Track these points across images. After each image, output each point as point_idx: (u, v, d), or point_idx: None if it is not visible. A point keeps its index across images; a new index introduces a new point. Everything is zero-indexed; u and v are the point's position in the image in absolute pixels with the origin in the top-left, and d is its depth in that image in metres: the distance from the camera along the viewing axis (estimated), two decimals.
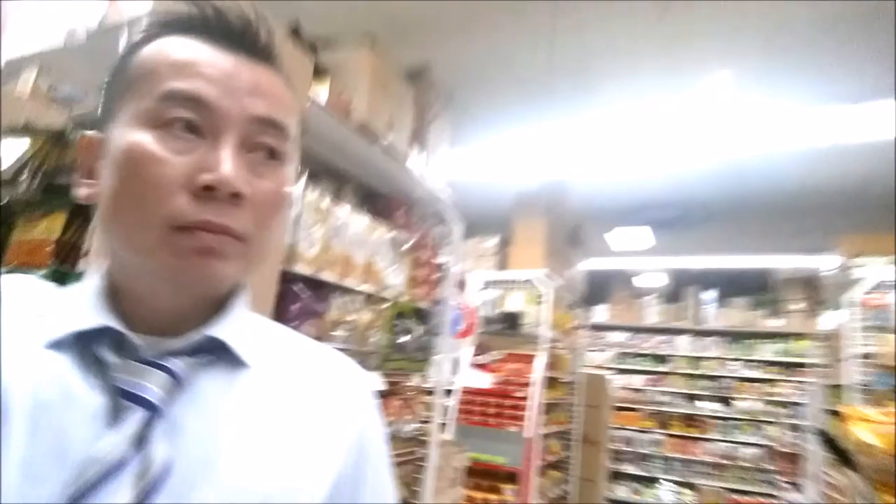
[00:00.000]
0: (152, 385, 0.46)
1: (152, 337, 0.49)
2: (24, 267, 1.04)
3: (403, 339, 2.11)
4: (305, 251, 1.59)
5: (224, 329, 0.51)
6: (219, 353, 0.51)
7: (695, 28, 2.93)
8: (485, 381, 3.80)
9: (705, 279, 7.25)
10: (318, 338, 1.65)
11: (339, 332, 1.77)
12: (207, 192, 0.45)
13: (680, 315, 7.32)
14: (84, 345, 0.48)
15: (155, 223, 0.45)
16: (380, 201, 2.19)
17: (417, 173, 2.19)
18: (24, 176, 1.11)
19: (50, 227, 1.07)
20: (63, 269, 1.04)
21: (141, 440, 0.44)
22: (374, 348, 1.94)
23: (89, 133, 0.53)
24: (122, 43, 1.02)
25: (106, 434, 0.43)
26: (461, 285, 2.57)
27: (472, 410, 3.82)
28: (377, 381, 1.90)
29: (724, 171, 4.49)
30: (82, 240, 1.05)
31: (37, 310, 0.50)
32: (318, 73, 1.82)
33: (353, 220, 1.84)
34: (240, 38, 0.51)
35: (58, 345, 0.47)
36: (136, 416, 0.44)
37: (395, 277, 2.06)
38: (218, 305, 0.53)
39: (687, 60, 3.20)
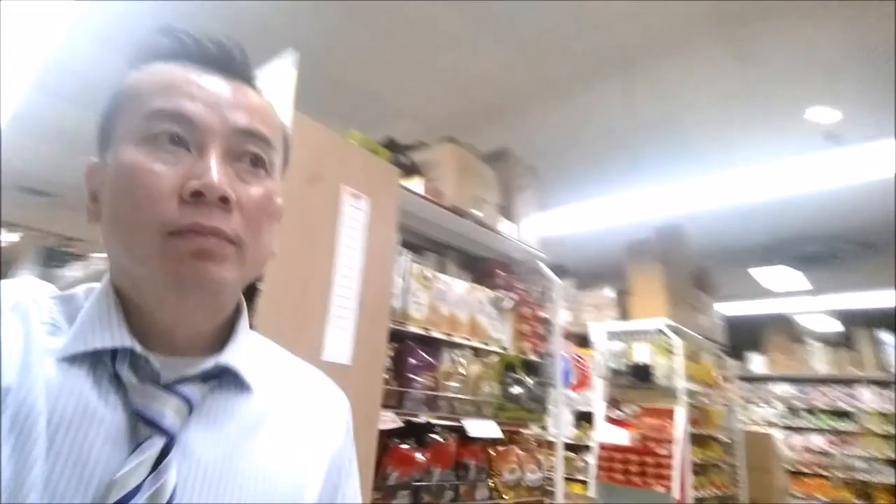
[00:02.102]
0: (170, 412, 0.47)
1: (164, 356, 0.51)
2: None
3: (515, 390, 2.28)
4: (414, 313, 1.90)
5: (233, 355, 0.54)
6: (225, 377, 0.53)
7: (776, 68, 2.96)
8: (622, 436, 3.71)
9: (881, 319, 6.32)
10: (435, 388, 1.91)
11: (452, 383, 2.01)
12: (196, 198, 0.47)
13: (856, 361, 6.40)
14: (100, 360, 0.49)
15: (150, 230, 0.47)
16: (480, 266, 2.47)
17: (511, 237, 2.45)
18: None
19: None
20: None
21: (157, 465, 0.45)
22: (487, 398, 2.14)
23: (92, 160, 0.55)
24: None
25: (128, 459, 0.45)
26: (568, 337, 2.66)
27: (612, 468, 3.72)
28: (494, 429, 2.08)
29: (870, 198, 4.12)
30: None
31: (49, 318, 0.50)
32: (414, 170, 2.23)
33: (454, 285, 2.13)
34: (217, 60, 0.53)
35: (74, 359, 0.48)
36: (155, 442, 0.46)
37: (499, 332, 2.28)
38: (224, 325, 0.56)
39: (779, 98, 3.18)
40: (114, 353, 0.48)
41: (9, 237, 6.48)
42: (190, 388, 0.49)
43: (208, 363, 0.51)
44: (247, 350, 0.56)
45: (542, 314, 2.55)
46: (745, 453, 4.65)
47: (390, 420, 1.66)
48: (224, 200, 0.48)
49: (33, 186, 5.45)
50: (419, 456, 1.78)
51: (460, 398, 2.01)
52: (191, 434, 0.49)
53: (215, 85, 0.52)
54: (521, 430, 2.31)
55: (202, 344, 0.54)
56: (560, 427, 2.44)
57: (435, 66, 3.11)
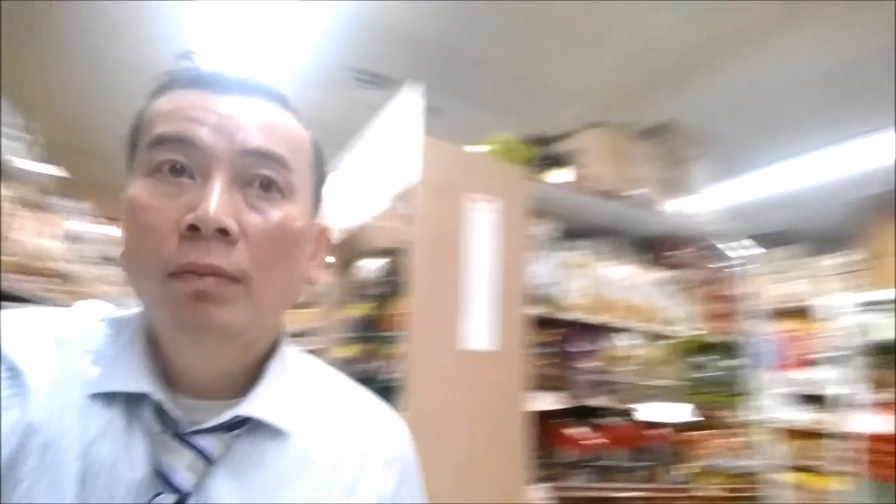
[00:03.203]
0: (183, 469, 0.45)
1: (193, 399, 0.49)
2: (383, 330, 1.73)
3: (703, 373, 2.14)
4: (572, 300, 1.96)
5: (258, 403, 0.49)
6: (255, 422, 0.50)
7: None
8: (889, 424, 3.08)
9: None
10: (604, 372, 1.94)
11: (624, 368, 2.00)
12: (193, 233, 0.43)
13: None
14: (130, 402, 0.47)
15: (153, 272, 0.44)
16: (658, 246, 2.38)
17: (681, 213, 2.32)
18: (385, 279, 1.90)
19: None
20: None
21: None
22: (668, 382, 2.06)
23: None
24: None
25: None
26: (784, 312, 2.31)
27: (882, 462, 3.10)
28: (676, 413, 2.00)
29: None
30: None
31: (95, 346, 0.50)
32: (564, 160, 2.29)
33: (618, 269, 2.11)
34: (234, 81, 0.49)
35: (106, 397, 0.47)
36: (168, 498, 0.45)
37: (678, 314, 2.17)
38: (257, 364, 0.52)
39: None
40: (142, 394, 0.47)
41: None
42: (208, 441, 0.47)
43: (226, 415, 0.48)
44: (280, 392, 0.52)
45: (733, 291, 2.33)
46: None
47: (552, 402, 1.75)
48: (224, 233, 0.43)
49: None
50: (589, 438, 1.83)
51: (634, 382, 1.99)
52: (217, 484, 0.46)
53: (227, 105, 0.47)
54: (718, 414, 2.15)
55: (232, 386, 0.50)
56: (768, 411, 2.19)
57: (601, 45, 3.07)
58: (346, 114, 4.12)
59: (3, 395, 0.44)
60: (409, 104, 1.70)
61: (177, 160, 0.45)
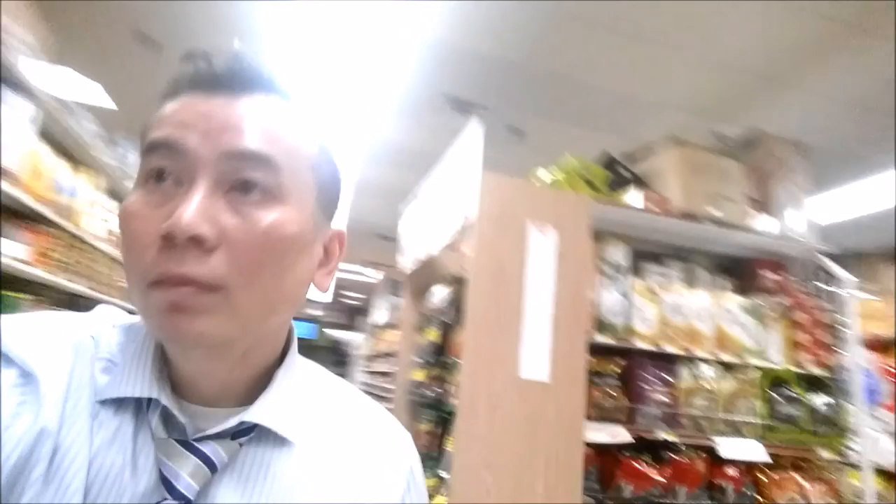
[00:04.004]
0: (187, 475, 0.45)
1: (198, 405, 0.49)
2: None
3: (790, 409, 1.99)
4: (641, 328, 1.90)
5: (263, 411, 0.49)
6: (261, 431, 0.50)
7: None
8: None
9: None
10: (674, 405, 1.87)
11: (697, 400, 1.91)
12: (169, 242, 0.42)
13: None
14: (139, 408, 0.47)
15: (136, 281, 0.44)
16: (740, 269, 2.24)
17: (769, 232, 2.16)
18: (450, 307, 1.95)
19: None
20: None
21: None
22: (747, 417, 1.94)
23: None
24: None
25: None
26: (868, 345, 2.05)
27: None
28: (755, 452, 1.88)
29: None
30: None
31: (107, 353, 0.49)
32: (637, 182, 2.22)
33: (691, 296, 2.02)
34: (227, 76, 0.47)
35: (115, 403, 0.47)
36: None
37: (760, 343, 2.03)
38: (265, 371, 0.52)
39: None
40: (149, 401, 0.47)
41: (375, 274, 8.58)
42: (213, 447, 0.46)
43: (231, 421, 0.47)
44: (287, 400, 0.51)
45: (828, 319, 2.13)
46: None
47: (614, 435, 1.72)
48: (199, 240, 0.42)
49: (384, 233, 7.11)
50: (654, 473, 1.77)
51: (707, 416, 1.89)
52: (220, 492, 0.46)
53: (216, 107, 0.46)
54: (807, 454, 1.99)
55: (236, 394, 0.50)
56: (871, 453, 1.99)
57: (692, 53, 2.93)
58: (440, 139, 4.26)
59: (16, 400, 0.43)
60: (471, 139, 1.74)
61: (162, 167, 0.45)
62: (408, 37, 2.96)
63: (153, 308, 0.43)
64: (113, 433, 0.46)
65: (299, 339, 0.58)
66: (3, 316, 0.47)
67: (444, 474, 1.78)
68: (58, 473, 0.43)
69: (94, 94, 4.03)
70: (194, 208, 0.42)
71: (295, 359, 0.55)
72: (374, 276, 8.84)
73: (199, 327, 0.43)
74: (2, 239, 2.11)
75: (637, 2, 2.56)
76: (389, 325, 6.68)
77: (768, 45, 2.79)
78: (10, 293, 2.29)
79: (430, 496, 1.81)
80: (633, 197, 2.13)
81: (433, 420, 2.15)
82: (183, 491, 0.44)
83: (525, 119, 3.76)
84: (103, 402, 0.47)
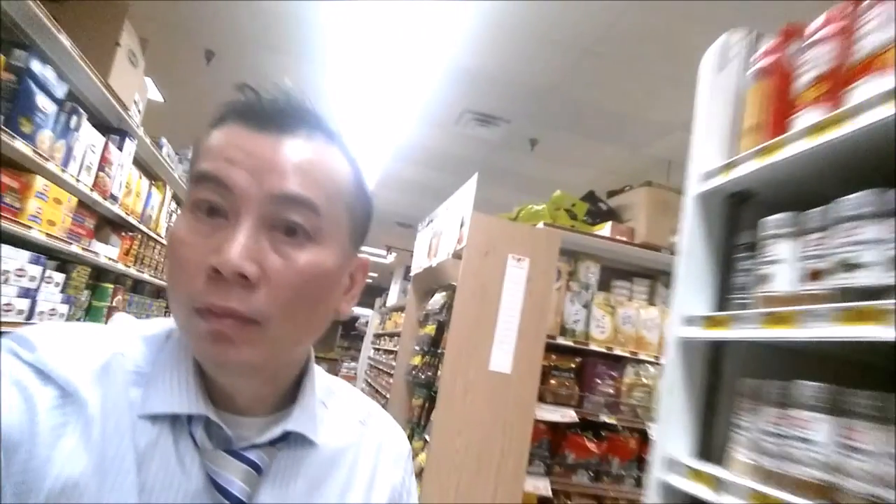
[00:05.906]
0: (239, 480, 0.48)
1: (235, 416, 0.52)
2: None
3: None
4: (597, 334, 2.41)
5: (300, 419, 0.54)
6: (294, 435, 0.54)
7: None
8: None
9: None
10: (616, 395, 2.38)
11: (636, 393, 2.42)
12: (217, 275, 0.44)
13: None
14: (180, 418, 0.50)
15: (182, 304, 0.47)
16: None
17: None
18: (444, 309, 2.48)
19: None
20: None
21: None
22: None
23: None
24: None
25: None
26: None
27: None
28: None
29: None
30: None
31: (134, 366, 0.51)
32: (609, 215, 2.71)
33: (644, 309, 2.51)
34: (275, 114, 0.49)
35: (155, 417, 0.49)
36: None
37: None
38: (292, 384, 0.57)
39: None
40: (190, 415, 0.49)
41: (390, 257, 9.26)
42: (258, 454, 0.50)
43: (276, 431, 0.52)
44: (313, 406, 0.57)
45: None
46: None
47: (564, 416, 2.24)
48: (244, 277, 0.45)
49: (402, 221, 7.66)
50: (593, 446, 2.30)
51: (643, 405, 2.41)
52: (263, 492, 0.51)
53: (263, 145, 0.48)
54: None
55: (267, 405, 0.55)
56: None
57: (692, 83, 3.34)
58: (459, 144, 4.79)
59: (58, 421, 0.45)
60: (470, 187, 2.26)
61: (211, 200, 0.47)
62: (436, 59, 3.45)
63: (197, 332, 0.46)
64: (153, 444, 0.48)
65: None
66: (34, 329, 0.49)
67: (427, 438, 2.33)
68: (109, 488, 0.45)
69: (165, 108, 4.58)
70: (241, 247, 0.45)
71: (314, 368, 0.60)
72: (389, 258, 9.54)
73: (240, 356, 0.46)
74: (100, 245, 2.69)
75: (649, 44, 2.98)
76: (398, 308, 7.25)
77: None
78: (105, 284, 2.90)
79: (416, 454, 2.38)
80: (607, 228, 2.62)
81: (423, 397, 2.71)
82: (238, 496, 0.48)
83: (543, 132, 4.22)
84: (142, 416, 0.49)
